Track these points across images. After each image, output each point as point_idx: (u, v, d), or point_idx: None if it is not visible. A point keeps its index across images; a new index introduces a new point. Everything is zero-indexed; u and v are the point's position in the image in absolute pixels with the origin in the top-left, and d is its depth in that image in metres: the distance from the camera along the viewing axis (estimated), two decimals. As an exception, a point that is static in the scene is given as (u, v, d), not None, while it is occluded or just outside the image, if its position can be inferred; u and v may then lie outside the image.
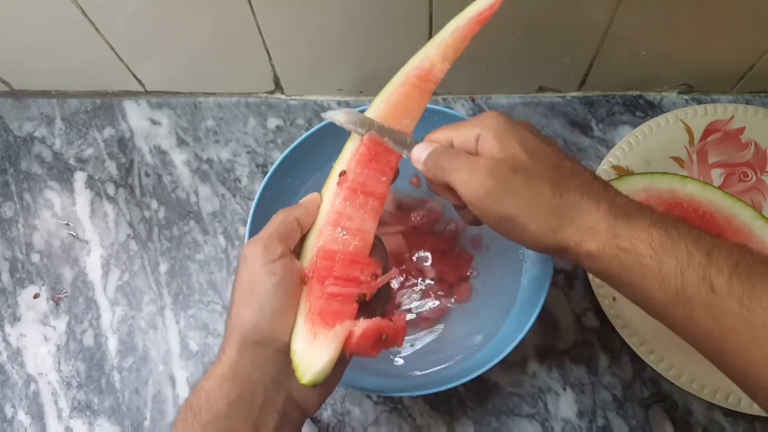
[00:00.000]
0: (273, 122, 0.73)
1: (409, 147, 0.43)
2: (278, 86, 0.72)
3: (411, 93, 0.43)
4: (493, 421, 0.59)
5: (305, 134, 0.59)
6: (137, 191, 0.71)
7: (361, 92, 0.72)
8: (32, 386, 0.63)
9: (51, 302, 0.66)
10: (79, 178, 0.72)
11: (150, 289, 0.66)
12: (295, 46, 0.64)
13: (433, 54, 0.43)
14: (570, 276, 0.63)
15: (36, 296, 0.67)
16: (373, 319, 0.39)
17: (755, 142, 0.64)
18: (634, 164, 0.64)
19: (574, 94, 0.70)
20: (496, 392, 0.60)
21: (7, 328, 0.66)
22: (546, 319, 0.61)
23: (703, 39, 0.60)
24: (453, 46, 0.43)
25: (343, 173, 0.43)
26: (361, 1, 0.57)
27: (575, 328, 0.61)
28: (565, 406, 0.59)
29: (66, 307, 0.66)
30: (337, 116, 0.43)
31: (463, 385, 0.55)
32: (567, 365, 0.60)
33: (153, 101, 0.75)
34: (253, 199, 0.58)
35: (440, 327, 0.59)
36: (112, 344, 0.64)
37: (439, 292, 0.60)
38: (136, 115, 0.74)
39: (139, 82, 0.72)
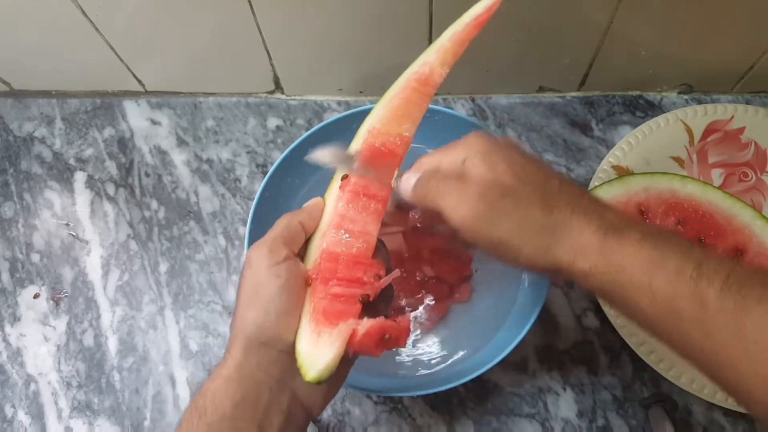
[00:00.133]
0: (273, 122, 0.73)
1: (397, 178, 0.43)
2: (278, 86, 0.72)
3: (411, 97, 0.44)
4: (493, 421, 0.59)
5: (305, 134, 0.59)
6: (137, 191, 0.70)
7: (361, 92, 0.72)
8: (32, 386, 0.63)
9: (51, 302, 0.66)
10: (79, 178, 0.72)
11: (150, 289, 0.66)
12: (295, 46, 0.64)
13: (432, 59, 0.43)
14: (570, 276, 0.63)
15: (36, 296, 0.67)
16: (377, 318, 0.39)
17: (755, 142, 0.64)
18: (634, 164, 0.64)
19: (574, 94, 0.70)
20: (496, 392, 0.60)
21: (7, 328, 0.66)
22: (546, 319, 0.61)
23: (703, 39, 0.60)
24: (451, 51, 0.43)
25: (345, 177, 0.43)
26: (362, 2, 0.57)
27: (575, 328, 0.61)
28: (565, 406, 0.59)
29: (66, 307, 0.66)
30: (322, 156, 0.43)
31: (463, 385, 0.55)
32: (567, 365, 0.60)
33: (153, 101, 0.75)
34: (253, 199, 0.58)
35: (440, 327, 0.59)
36: (112, 344, 0.64)
37: (440, 292, 0.60)
38: (136, 115, 0.74)
39: (139, 82, 0.72)
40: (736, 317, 0.31)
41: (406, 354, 0.59)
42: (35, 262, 0.68)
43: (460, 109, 0.71)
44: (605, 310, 0.58)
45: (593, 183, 0.64)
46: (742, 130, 0.64)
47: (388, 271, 0.43)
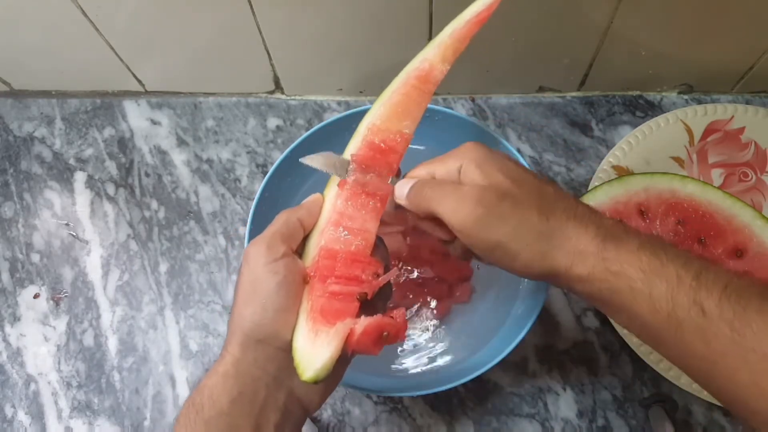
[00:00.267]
0: (273, 122, 0.73)
1: (394, 179, 0.43)
2: (278, 86, 0.72)
3: (411, 94, 0.44)
4: (493, 421, 0.59)
5: (305, 134, 0.59)
6: (137, 191, 0.71)
7: (361, 92, 0.72)
8: (32, 386, 0.63)
9: (51, 302, 0.66)
10: (79, 178, 0.72)
11: (150, 289, 0.66)
12: (295, 46, 0.64)
13: (432, 56, 0.43)
14: (570, 276, 0.63)
15: (36, 296, 0.67)
16: (374, 316, 0.39)
17: (755, 142, 0.64)
18: (634, 164, 0.64)
19: (574, 94, 0.70)
20: (496, 392, 0.60)
21: (7, 328, 0.66)
22: (546, 319, 0.61)
23: (703, 39, 0.60)
24: (452, 48, 0.43)
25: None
26: (362, 2, 0.57)
27: (575, 328, 0.61)
28: (565, 406, 0.59)
29: (66, 307, 0.66)
30: (315, 161, 0.43)
31: (463, 385, 0.55)
32: (567, 365, 0.60)
33: (153, 101, 0.75)
34: (253, 199, 0.58)
35: (441, 327, 0.59)
36: (112, 344, 0.64)
37: (440, 292, 0.60)
38: (136, 115, 0.74)
39: (139, 82, 0.72)
40: (736, 327, 0.31)
41: (406, 354, 0.59)
42: (35, 262, 0.68)
43: (460, 109, 0.71)
44: (605, 310, 0.58)
45: (593, 183, 0.64)
46: (742, 130, 0.64)
47: (386, 269, 0.43)
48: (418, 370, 0.57)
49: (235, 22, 0.60)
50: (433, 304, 0.60)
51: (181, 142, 0.72)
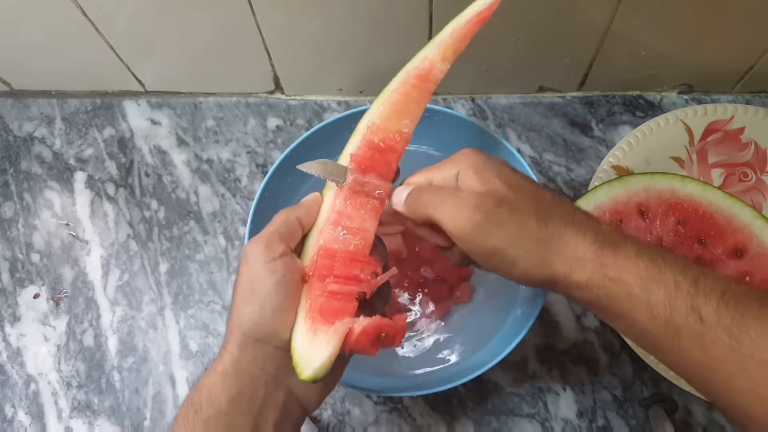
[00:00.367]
0: (273, 122, 0.73)
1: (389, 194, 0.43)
2: (278, 86, 0.72)
3: (411, 93, 0.43)
4: (493, 421, 0.59)
5: (305, 134, 0.59)
6: (137, 191, 0.71)
7: (361, 92, 0.72)
8: (32, 386, 0.63)
9: (51, 302, 0.66)
10: (79, 178, 0.72)
11: (150, 289, 0.66)
12: (295, 46, 0.64)
13: (432, 54, 0.43)
14: (570, 276, 0.63)
15: (36, 296, 0.67)
16: (374, 317, 0.39)
17: (755, 142, 0.64)
18: (634, 164, 0.64)
19: (574, 94, 0.70)
20: (496, 392, 0.60)
21: (7, 328, 0.66)
22: (546, 319, 0.61)
23: (703, 39, 0.60)
24: (452, 47, 0.43)
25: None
26: (362, 2, 0.57)
27: (575, 328, 0.61)
28: (565, 406, 0.59)
29: (66, 307, 0.66)
30: (312, 168, 0.43)
31: (463, 385, 0.55)
32: (567, 365, 0.60)
33: (153, 101, 0.75)
34: (253, 199, 0.58)
35: (441, 327, 0.59)
36: (112, 344, 0.64)
37: (440, 292, 0.60)
38: (136, 115, 0.74)
39: (139, 82, 0.72)
40: (734, 333, 0.31)
41: (406, 354, 0.59)
42: (35, 262, 0.68)
43: (460, 109, 0.71)
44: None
45: (593, 183, 0.64)
46: (742, 130, 0.64)
47: (385, 269, 0.42)
48: (418, 370, 0.57)
49: (235, 22, 0.60)
50: (433, 304, 0.60)
51: (181, 142, 0.72)
